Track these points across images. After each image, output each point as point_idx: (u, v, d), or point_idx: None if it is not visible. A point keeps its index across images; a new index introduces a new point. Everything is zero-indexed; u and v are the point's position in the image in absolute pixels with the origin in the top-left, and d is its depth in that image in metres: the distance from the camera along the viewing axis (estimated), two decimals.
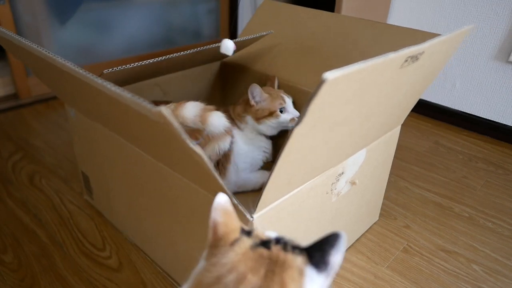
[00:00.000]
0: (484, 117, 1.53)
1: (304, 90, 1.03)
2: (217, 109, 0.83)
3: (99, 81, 0.56)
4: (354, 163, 0.80)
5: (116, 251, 0.92)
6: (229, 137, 0.91)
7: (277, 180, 0.59)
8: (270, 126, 0.99)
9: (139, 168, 0.78)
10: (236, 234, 0.36)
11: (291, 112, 0.98)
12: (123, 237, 0.96)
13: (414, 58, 0.59)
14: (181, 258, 0.80)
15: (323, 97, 0.47)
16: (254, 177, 1.01)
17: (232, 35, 2.20)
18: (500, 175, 1.28)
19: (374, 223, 1.04)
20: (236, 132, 0.99)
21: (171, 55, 0.88)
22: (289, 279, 0.33)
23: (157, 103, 0.57)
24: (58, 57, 0.65)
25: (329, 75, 0.45)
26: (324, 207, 0.78)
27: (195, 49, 0.93)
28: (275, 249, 0.35)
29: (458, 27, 1.06)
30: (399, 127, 0.93)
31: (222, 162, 0.95)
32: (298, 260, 0.34)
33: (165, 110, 0.44)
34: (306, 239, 0.37)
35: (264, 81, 1.08)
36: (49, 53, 0.66)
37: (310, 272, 0.34)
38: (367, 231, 1.01)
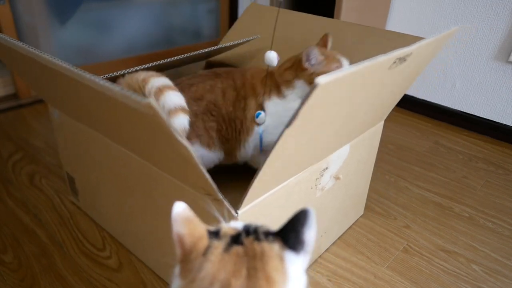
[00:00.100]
0: (484, 117, 1.53)
1: None
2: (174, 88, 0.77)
3: (86, 75, 0.54)
4: (338, 158, 0.81)
5: (116, 251, 0.92)
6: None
7: (263, 178, 0.59)
8: None
9: (125, 169, 0.78)
10: (204, 241, 0.34)
11: None
12: None
13: (402, 59, 0.59)
14: (169, 257, 0.79)
15: (314, 100, 0.48)
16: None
17: None
18: (500, 175, 1.28)
19: (360, 216, 1.06)
20: (271, 103, 0.89)
21: (167, 59, 0.89)
22: (273, 271, 0.32)
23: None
24: (37, 51, 0.61)
25: (322, 80, 0.45)
26: (308, 202, 0.78)
27: (189, 53, 0.94)
28: (248, 242, 0.34)
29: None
30: (382, 122, 0.94)
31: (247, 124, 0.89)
32: (275, 248, 0.34)
33: (154, 102, 0.44)
34: None
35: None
36: (29, 47, 0.62)
37: (289, 256, 0.33)
38: (363, 229, 1.01)
